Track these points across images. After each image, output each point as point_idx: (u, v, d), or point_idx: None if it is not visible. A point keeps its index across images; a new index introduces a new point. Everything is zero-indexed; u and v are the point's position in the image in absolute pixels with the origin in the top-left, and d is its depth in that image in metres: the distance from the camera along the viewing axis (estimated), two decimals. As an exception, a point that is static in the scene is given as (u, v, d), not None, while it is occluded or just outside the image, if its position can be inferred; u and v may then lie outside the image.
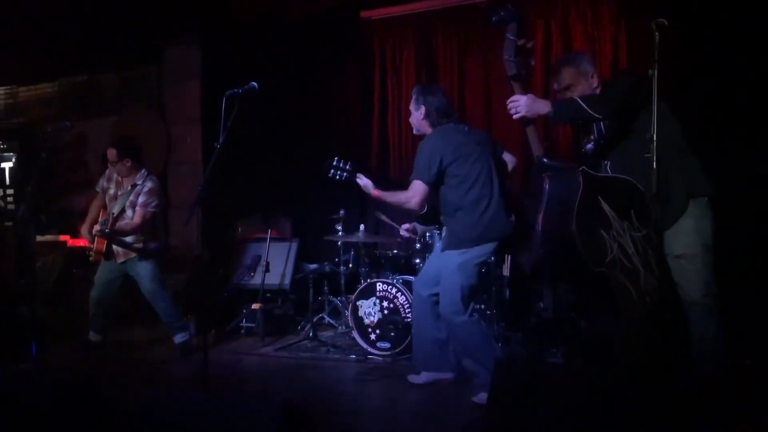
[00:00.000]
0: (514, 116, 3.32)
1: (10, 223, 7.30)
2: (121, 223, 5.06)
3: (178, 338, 5.22)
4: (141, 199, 5.06)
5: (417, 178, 3.84)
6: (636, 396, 2.36)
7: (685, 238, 3.23)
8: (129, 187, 5.13)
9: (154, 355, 5.37)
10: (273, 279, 6.16)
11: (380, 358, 4.91)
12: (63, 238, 7.33)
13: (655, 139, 3.00)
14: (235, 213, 6.91)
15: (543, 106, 3.29)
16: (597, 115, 3.26)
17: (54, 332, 5.73)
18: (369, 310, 5.03)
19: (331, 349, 5.23)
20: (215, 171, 3.62)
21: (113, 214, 5.05)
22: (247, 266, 6.34)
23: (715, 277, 3.26)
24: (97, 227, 5.02)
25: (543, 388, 2.50)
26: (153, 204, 5.08)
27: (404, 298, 4.90)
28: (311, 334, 5.49)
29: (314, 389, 4.24)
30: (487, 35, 6.51)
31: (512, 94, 3.37)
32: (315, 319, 5.72)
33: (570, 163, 3.27)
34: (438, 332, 4.08)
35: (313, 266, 6.05)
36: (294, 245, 6.41)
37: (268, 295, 6.14)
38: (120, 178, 5.23)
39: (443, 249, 4.03)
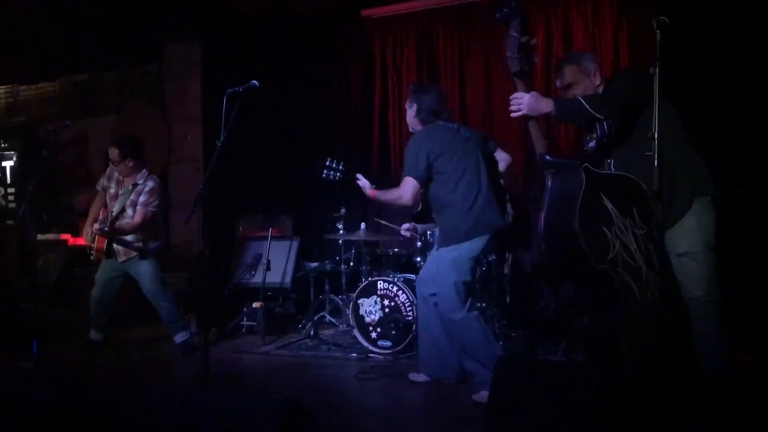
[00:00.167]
0: (517, 114, 3.31)
1: (11, 222, 7.31)
2: (122, 222, 5.06)
3: (179, 337, 5.22)
4: (142, 199, 5.06)
5: (407, 174, 3.89)
6: (638, 394, 2.36)
7: (688, 236, 3.23)
8: (130, 186, 5.12)
9: (155, 353, 5.38)
10: (274, 277, 6.15)
11: (381, 357, 4.91)
12: (64, 236, 7.35)
13: (656, 137, 3.00)
14: (236, 211, 6.91)
15: (545, 105, 3.29)
16: (599, 115, 3.26)
17: (55, 331, 5.74)
18: (370, 308, 5.03)
19: (332, 348, 5.23)
20: (216, 169, 3.62)
21: (113, 213, 5.05)
22: (248, 265, 6.34)
23: (717, 275, 3.26)
24: (96, 226, 5.02)
25: (544, 386, 2.49)
26: (154, 203, 5.08)
27: (405, 297, 4.90)
28: (312, 333, 5.49)
29: (315, 388, 4.24)
30: (487, 33, 6.51)
31: (514, 91, 3.36)
32: (316, 318, 5.72)
33: (572, 160, 3.26)
34: (440, 332, 4.09)
35: (314, 265, 6.04)
36: (295, 244, 6.40)
37: (269, 293, 6.14)
38: (121, 177, 5.23)
39: (437, 247, 4.07)
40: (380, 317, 4.97)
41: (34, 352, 4.81)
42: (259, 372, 4.82)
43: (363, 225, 5.65)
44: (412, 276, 5.04)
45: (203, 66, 7.14)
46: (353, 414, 3.70)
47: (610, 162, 3.44)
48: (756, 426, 2.50)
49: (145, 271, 5.12)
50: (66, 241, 7.28)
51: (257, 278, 6.11)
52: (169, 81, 7.40)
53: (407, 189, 3.89)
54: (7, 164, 8.10)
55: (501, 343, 4.91)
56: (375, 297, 5.02)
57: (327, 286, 6.09)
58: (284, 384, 4.42)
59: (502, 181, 5.59)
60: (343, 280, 5.94)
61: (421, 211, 4.32)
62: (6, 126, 8.32)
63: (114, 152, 5.13)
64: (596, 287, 3.16)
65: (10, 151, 8.12)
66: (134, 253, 5.09)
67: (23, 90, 8.38)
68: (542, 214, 3.16)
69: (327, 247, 6.37)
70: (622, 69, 5.69)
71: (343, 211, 5.74)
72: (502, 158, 4.31)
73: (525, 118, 3.33)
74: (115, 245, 5.10)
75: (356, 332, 5.08)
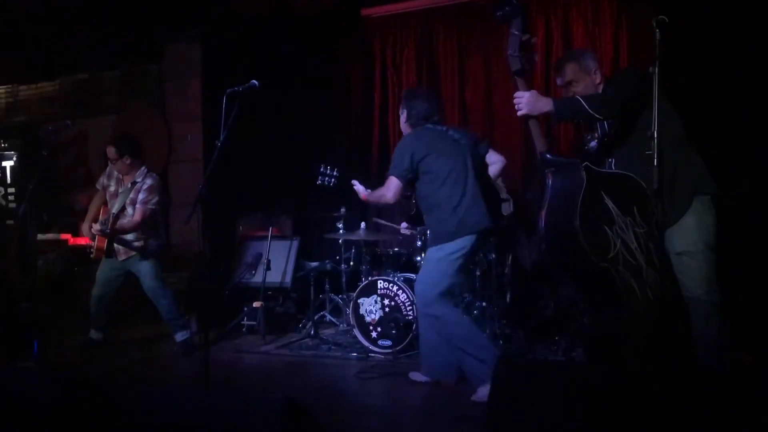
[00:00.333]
0: (518, 113, 3.32)
1: (11, 222, 7.31)
2: (122, 221, 5.06)
3: (179, 336, 5.22)
4: (141, 197, 5.05)
5: (391, 174, 3.98)
6: (638, 394, 2.36)
7: (688, 235, 3.23)
8: (129, 185, 5.13)
9: (155, 353, 5.37)
10: (274, 277, 6.16)
11: (381, 356, 4.91)
12: (64, 236, 7.34)
13: (656, 136, 3.00)
14: (236, 211, 6.91)
15: (545, 104, 3.29)
16: (598, 115, 3.27)
17: (55, 330, 5.75)
18: (370, 308, 5.03)
19: (333, 347, 5.24)
20: (216, 169, 3.62)
21: (113, 212, 5.05)
22: (248, 264, 6.34)
23: (717, 274, 3.26)
24: (97, 227, 5.01)
25: (544, 386, 2.49)
26: (153, 201, 5.08)
27: (405, 296, 4.90)
28: (312, 332, 5.49)
29: (315, 387, 4.24)
30: (487, 33, 6.51)
31: (515, 89, 3.36)
32: (316, 317, 5.72)
33: (573, 158, 3.26)
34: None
35: (315, 264, 6.04)
36: (295, 243, 6.40)
37: (270, 293, 6.14)
38: (120, 176, 5.23)
39: (428, 247, 4.12)
40: (380, 317, 4.97)
41: (34, 351, 4.82)
42: (260, 371, 4.82)
43: (363, 224, 5.65)
44: (412, 275, 5.04)
45: (203, 66, 7.15)
46: (353, 413, 3.70)
47: (611, 161, 3.44)
48: (756, 426, 2.50)
49: (145, 269, 5.12)
50: (66, 240, 7.28)
51: (257, 278, 6.11)
52: (169, 81, 7.40)
53: (389, 187, 3.97)
54: (7, 164, 8.10)
55: (501, 342, 4.93)
56: (375, 296, 5.02)
57: (327, 286, 6.09)
58: (284, 383, 4.42)
59: (500, 181, 5.62)
60: (344, 280, 5.94)
61: (416, 213, 4.35)
62: (6, 126, 8.32)
63: (112, 150, 5.13)
64: (597, 286, 3.15)
65: (10, 151, 8.12)
66: (134, 252, 5.09)
67: (23, 90, 8.37)
68: (543, 213, 3.16)
69: (327, 246, 6.38)
70: (622, 68, 5.69)
71: (343, 210, 5.74)
72: (496, 159, 4.33)
73: (525, 117, 3.33)
74: (115, 244, 5.10)
75: (356, 332, 5.08)
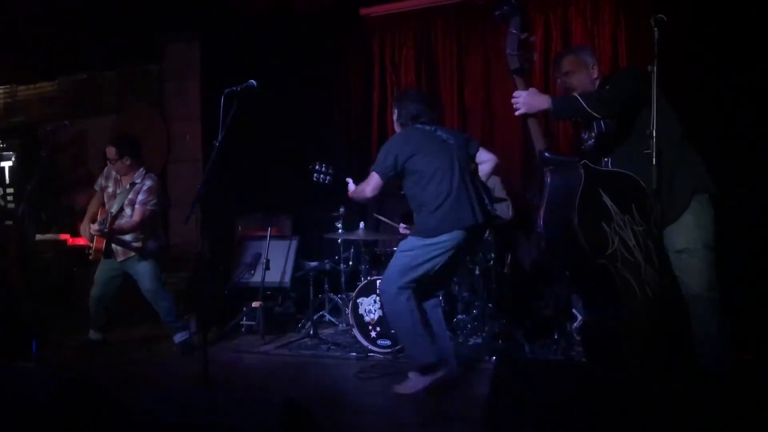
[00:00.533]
0: (516, 113, 3.32)
1: (10, 222, 7.30)
2: (121, 222, 5.05)
3: (178, 337, 5.22)
4: (140, 198, 5.05)
5: (373, 170, 4.04)
6: (638, 393, 2.36)
7: (687, 233, 3.23)
8: (128, 186, 5.12)
9: (154, 353, 5.37)
10: (273, 277, 6.15)
11: (381, 356, 4.91)
12: (63, 236, 7.34)
13: (654, 135, 3.00)
14: (235, 211, 6.91)
15: (543, 102, 3.29)
16: (596, 114, 3.27)
17: (55, 331, 5.74)
18: (369, 307, 5.03)
19: (332, 347, 5.24)
20: (215, 169, 3.62)
21: (112, 212, 5.04)
22: (247, 264, 6.34)
23: (717, 274, 3.26)
24: (95, 227, 5.01)
25: (544, 386, 2.49)
26: (152, 202, 5.07)
27: (405, 296, 4.89)
28: (312, 332, 5.49)
29: (315, 387, 4.24)
30: (486, 32, 6.52)
31: (514, 88, 3.37)
32: (315, 317, 5.72)
33: (571, 157, 3.27)
34: (446, 330, 4.18)
35: (314, 264, 6.04)
36: (294, 243, 6.40)
37: (269, 293, 6.14)
38: (119, 176, 5.22)
39: None
40: (380, 316, 4.97)
41: (33, 352, 4.82)
42: (259, 372, 4.81)
43: (362, 224, 5.65)
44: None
45: (202, 66, 7.15)
46: (353, 413, 3.70)
47: (608, 160, 3.45)
48: (756, 426, 2.51)
49: (144, 270, 5.11)
50: (65, 241, 7.28)
51: (256, 278, 6.11)
52: (168, 81, 7.40)
53: (369, 182, 4.04)
54: (6, 164, 8.09)
55: (500, 342, 4.93)
56: (374, 296, 5.01)
57: (326, 286, 6.09)
58: (284, 383, 4.42)
59: (498, 182, 5.64)
60: (343, 279, 5.94)
61: (409, 213, 4.36)
62: (5, 126, 8.31)
63: (111, 151, 5.13)
64: (596, 284, 3.16)
65: (9, 151, 8.11)
66: (133, 253, 5.09)
67: (22, 90, 8.36)
68: (541, 211, 3.17)
69: (326, 246, 6.37)
70: (621, 67, 5.69)
71: (342, 210, 5.74)
72: (487, 158, 4.34)
73: (524, 116, 3.33)
74: (113, 245, 5.09)
75: (356, 331, 5.08)
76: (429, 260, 3.93)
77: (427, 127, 4.12)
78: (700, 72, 5.26)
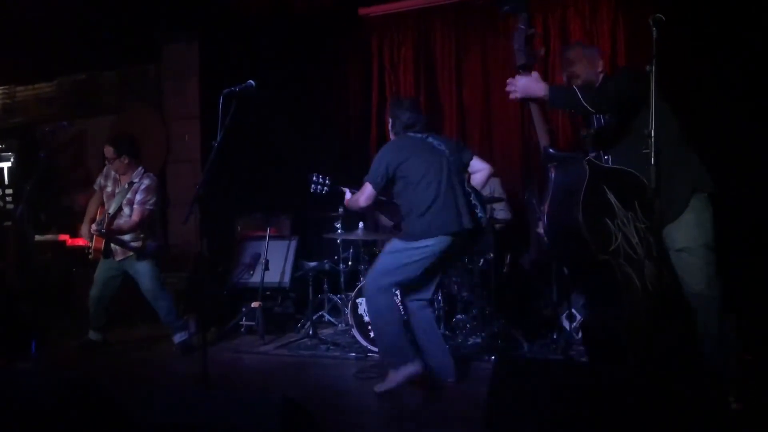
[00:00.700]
0: (511, 96, 3.32)
1: (9, 223, 7.30)
2: (119, 222, 5.04)
3: (178, 338, 5.22)
4: (138, 197, 5.04)
5: (366, 180, 4.13)
6: (638, 393, 2.36)
7: (686, 232, 3.24)
8: (126, 185, 5.11)
9: (154, 353, 5.37)
10: (272, 277, 6.15)
11: (379, 356, 4.90)
12: (62, 237, 7.34)
13: (653, 135, 3.00)
14: (234, 211, 6.91)
15: (539, 89, 3.29)
16: (590, 109, 3.28)
17: (54, 331, 5.74)
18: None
19: (331, 347, 5.23)
20: (214, 169, 3.62)
21: (110, 212, 5.04)
22: (246, 264, 6.34)
23: (717, 272, 3.26)
24: (94, 227, 5.01)
25: (544, 386, 2.50)
26: (150, 202, 5.07)
27: (404, 296, 4.89)
28: (311, 332, 5.48)
29: (314, 387, 4.24)
30: (485, 31, 6.52)
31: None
32: (315, 317, 5.72)
33: (575, 153, 3.28)
34: (434, 334, 4.21)
35: (313, 264, 6.04)
36: (293, 243, 6.40)
37: (268, 293, 6.13)
38: (118, 176, 5.22)
39: None
40: (379, 316, 4.96)
41: (32, 352, 4.82)
42: (258, 372, 4.81)
43: (361, 224, 5.64)
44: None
45: (202, 65, 7.14)
46: (352, 413, 3.70)
47: (607, 158, 3.45)
48: (756, 426, 2.51)
49: (143, 270, 5.10)
50: (65, 241, 7.27)
51: (256, 278, 6.11)
52: (167, 81, 7.39)
53: (363, 192, 4.13)
54: (5, 165, 8.08)
55: (500, 342, 4.93)
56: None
57: (326, 286, 6.08)
58: (283, 383, 4.42)
59: (498, 185, 5.65)
60: (342, 280, 5.93)
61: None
62: (3, 127, 8.31)
63: (109, 150, 5.12)
64: (597, 280, 3.17)
65: (8, 152, 8.10)
66: (131, 253, 5.08)
67: (21, 90, 8.36)
68: (545, 207, 3.18)
69: (325, 246, 6.36)
70: (620, 67, 5.70)
71: (341, 210, 5.73)
72: (481, 168, 4.37)
73: (523, 104, 3.33)
74: (112, 245, 5.09)
75: (355, 331, 5.07)
76: (412, 263, 3.99)
77: (419, 135, 4.21)
78: (699, 72, 5.26)
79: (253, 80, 3.69)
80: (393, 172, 4.06)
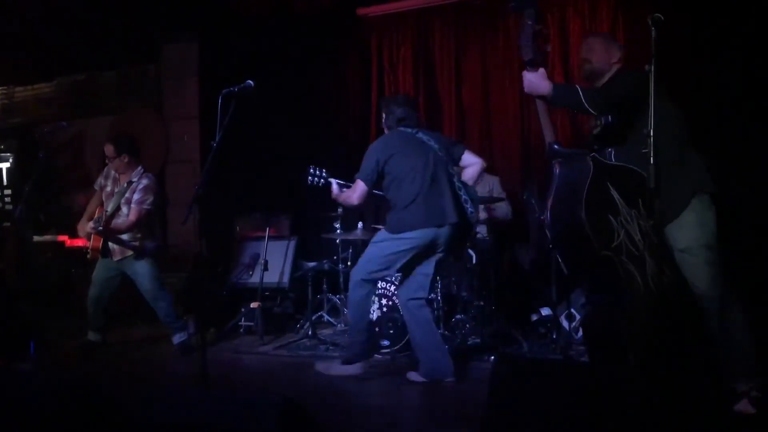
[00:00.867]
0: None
1: (8, 224, 7.30)
2: (117, 221, 5.04)
3: (177, 338, 5.21)
4: (136, 196, 5.04)
5: (357, 177, 4.21)
6: (638, 393, 2.35)
7: (688, 232, 3.24)
8: (125, 184, 5.10)
9: (154, 353, 5.37)
10: (272, 277, 6.15)
11: (379, 356, 4.90)
12: (61, 238, 7.33)
13: (652, 134, 3.00)
14: (233, 211, 6.90)
15: (543, 87, 3.29)
16: (591, 110, 3.28)
17: (53, 332, 5.73)
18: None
19: (331, 347, 5.23)
20: (213, 169, 3.62)
21: (107, 211, 5.04)
22: (245, 265, 6.34)
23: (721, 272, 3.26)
24: (91, 225, 5.01)
25: (543, 386, 2.49)
26: (148, 201, 5.06)
27: (403, 296, 4.89)
28: (310, 333, 5.47)
29: (314, 387, 4.23)
30: (484, 31, 6.52)
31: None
32: (314, 318, 5.71)
33: (580, 149, 3.28)
34: (430, 333, 4.20)
35: (312, 264, 6.03)
36: (292, 243, 6.40)
37: (267, 293, 6.13)
38: (117, 175, 5.21)
39: None
40: (378, 316, 4.96)
41: (31, 353, 4.81)
42: (258, 372, 4.81)
43: (360, 224, 5.64)
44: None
45: (201, 66, 7.14)
46: (352, 413, 3.70)
47: (611, 152, 3.44)
48: (757, 426, 2.51)
49: (142, 270, 5.10)
50: (64, 242, 7.27)
51: (255, 278, 6.10)
52: (166, 81, 7.38)
53: (356, 190, 4.22)
54: (4, 166, 8.07)
55: (499, 341, 4.94)
56: (373, 296, 5.00)
57: (325, 286, 6.08)
58: (282, 384, 4.42)
59: (495, 178, 5.65)
60: (341, 280, 5.94)
61: None
62: (2, 127, 8.30)
63: (110, 148, 5.12)
64: (599, 276, 3.17)
65: (7, 152, 8.09)
66: (130, 252, 5.07)
67: (20, 91, 8.34)
68: (549, 203, 3.18)
69: (325, 246, 6.36)
70: (627, 70, 5.68)
71: (340, 210, 5.72)
72: (472, 162, 4.37)
73: (532, 100, 3.35)
74: (110, 244, 5.08)
75: (355, 332, 5.07)
76: (394, 254, 4.10)
77: (409, 130, 4.26)
78: (698, 71, 5.26)
79: (252, 80, 3.70)
80: (382, 168, 4.14)
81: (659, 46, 2.93)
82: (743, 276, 4.37)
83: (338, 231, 5.71)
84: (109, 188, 5.23)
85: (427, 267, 4.22)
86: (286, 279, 6.23)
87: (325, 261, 6.07)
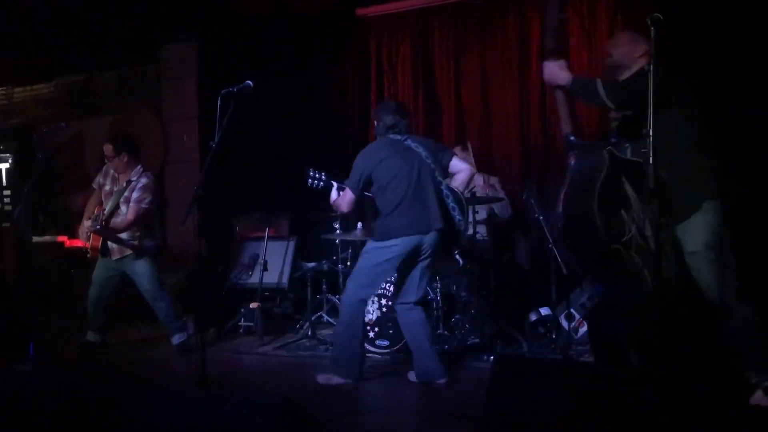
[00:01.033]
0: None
1: (7, 224, 7.29)
2: (116, 220, 5.03)
3: (176, 338, 5.21)
4: (135, 195, 5.03)
5: (346, 185, 4.27)
6: (638, 393, 2.35)
7: (698, 235, 3.24)
8: (124, 184, 5.10)
9: (153, 354, 5.36)
10: (271, 278, 6.14)
11: (379, 356, 4.90)
12: (61, 238, 7.33)
13: (651, 134, 2.99)
14: (233, 211, 6.90)
15: (563, 78, 3.31)
16: (609, 104, 3.27)
17: (53, 332, 5.73)
18: (367, 308, 5.01)
19: (330, 348, 5.21)
20: (212, 169, 3.62)
21: (106, 210, 5.04)
22: (245, 265, 6.33)
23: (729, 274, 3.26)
24: (89, 223, 5.01)
25: (543, 386, 2.49)
26: (147, 200, 5.06)
27: (403, 296, 4.89)
28: (310, 333, 5.48)
29: (313, 387, 4.23)
30: (483, 31, 6.51)
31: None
32: (313, 318, 5.71)
33: (596, 141, 3.28)
34: (421, 336, 4.20)
35: (312, 264, 6.02)
36: (292, 243, 6.40)
37: (267, 293, 6.13)
38: (116, 174, 5.21)
39: None
40: (378, 317, 4.97)
41: (31, 354, 4.81)
42: (257, 372, 4.81)
43: (360, 224, 5.63)
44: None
45: (200, 66, 7.14)
46: (351, 413, 3.70)
47: (627, 147, 3.43)
48: (756, 426, 2.51)
49: (142, 270, 5.10)
50: (63, 243, 7.26)
51: (254, 278, 6.10)
52: (166, 81, 7.38)
53: (344, 197, 4.29)
54: (3, 167, 8.06)
55: (499, 342, 4.93)
56: (372, 296, 5.00)
57: (324, 286, 6.07)
58: (282, 384, 4.42)
59: (496, 182, 5.64)
60: (341, 280, 5.92)
61: None
62: (1, 128, 8.29)
63: (109, 147, 5.12)
64: (606, 269, 3.17)
65: (6, 153, 8.09)
66: (129, 252, 5.07)
67: (19, 92, 8.34)
68: (562, 194, 3.18)
69: (324, 246, 6.35)
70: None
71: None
72: (460, 168, 4.38)
73: (553, 90, 3.35)
74: (109, 243, 5.08)
75: (354, 332, 5.07)
76: (382, 263, 4.10)
77: (398, 137, 4.26)
78: (698, 71, 5.25)
79: (251, 80, 3.70)
80: (369, 175, 4.17)
81: (659, 46, 2.92)
82: (743, 276, 4.39)
83: (338, 231, 5.70)
84: (107, 187, 5.22)
85: (414, 272, 4.22)
86: (285, 279, 6.23)
87: (324, 261, 6.06)
